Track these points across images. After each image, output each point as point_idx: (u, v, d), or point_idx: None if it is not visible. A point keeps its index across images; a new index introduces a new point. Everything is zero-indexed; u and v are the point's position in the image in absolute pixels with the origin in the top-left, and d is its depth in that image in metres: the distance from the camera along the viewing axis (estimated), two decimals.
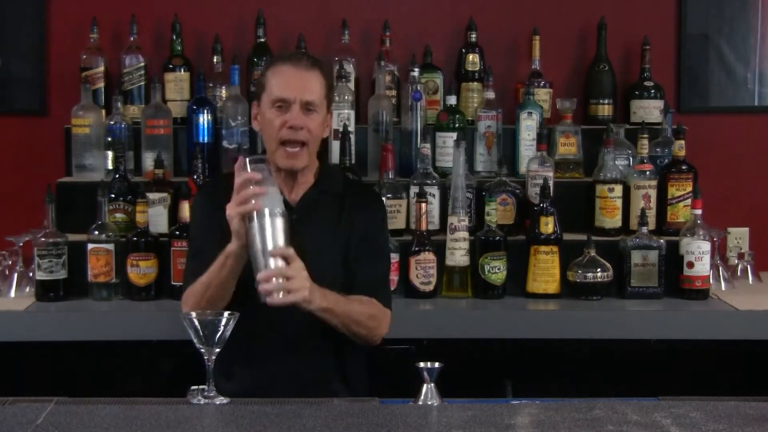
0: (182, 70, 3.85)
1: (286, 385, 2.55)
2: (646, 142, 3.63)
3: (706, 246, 3.47)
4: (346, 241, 2.73)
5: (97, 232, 3.41)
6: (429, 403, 2.25)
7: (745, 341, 3.32)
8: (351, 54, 3.85)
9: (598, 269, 3.44)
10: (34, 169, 3.91)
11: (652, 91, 3.94)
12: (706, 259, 3.48)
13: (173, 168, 3.76)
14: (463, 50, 3.93)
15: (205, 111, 3.72)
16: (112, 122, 3.74)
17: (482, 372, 3.27)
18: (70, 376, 3.25)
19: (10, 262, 3.53)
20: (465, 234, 3.48)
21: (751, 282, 3.75)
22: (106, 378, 3.30)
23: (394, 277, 3.33)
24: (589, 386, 2.97)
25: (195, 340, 2.26)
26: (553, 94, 3.93)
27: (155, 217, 3.50)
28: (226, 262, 2.54)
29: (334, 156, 3.63)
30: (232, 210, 2.47)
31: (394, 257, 3.35)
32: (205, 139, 3.72)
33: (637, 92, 3.95)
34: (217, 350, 2.26)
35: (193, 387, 2.27)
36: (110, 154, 3.62)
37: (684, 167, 3.63)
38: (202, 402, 2.23)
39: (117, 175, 3.58)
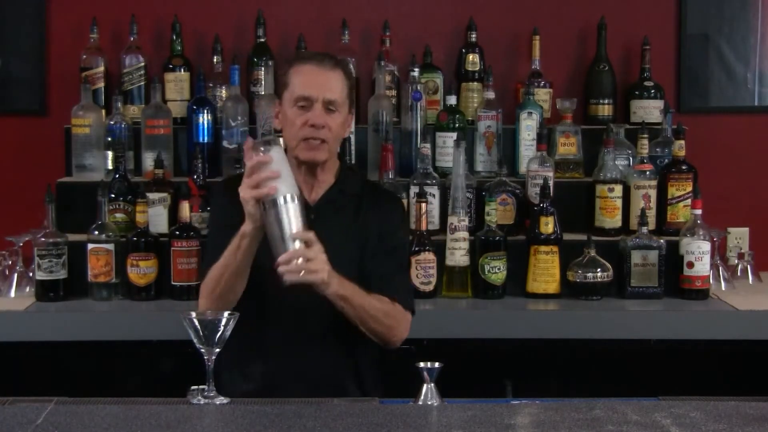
0: (182, 70, 3.85)
1: (298, 383, 2.55)
2: (646, 142, 3.63)
3: (706, 246, 3.47)
4: (362, 242, 2.73)
5: (97, 232, 3.41)
6: (429, 403, 2.25)
7: (745, 341, 3.32)
8: (351, 54, 3.85)
9: (598, 269, 3.44)
10: (34, 169, 3.91)
11: (652, 91, 3.94)
12: (706, 259, 3.48)
13: (173, 168, 3.76)
14: (463, 50, 3.93)
15: (205, 111, 3.72)
16: (112, 122, 3.74)
17: (482, 372, 3.27)
18: (70, 376, 3.25)
19: (10, 262, 3.53)
20: (465, 234, 3.48)
21: (751, 282, 3.75)
22: (106, 378, 3.30)
23: None
24: (589, 386, 2.97)
25: (195, 340, 2.26)
26: (553, 94, 3.93)
27: (155, 217, 3.51)
28: (241, 243, 2.53)
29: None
30: (246, 193, 2.46)
31: None
32: (205, 139, 3.72)
33: (637, 92, 3.95)
34: (217, 350, 2.26)
35: (193, 387, 2.27)
36: (110, 154, 3.62)
37: (684, 167, 3.63)
38: (202, 402, 2.23)
39: (117, 175, 3.58)
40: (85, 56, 3.86)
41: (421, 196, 3.48)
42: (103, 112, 3.79)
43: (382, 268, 2.73)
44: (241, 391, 2.61)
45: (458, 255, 3.46)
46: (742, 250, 3.86)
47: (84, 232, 3.44)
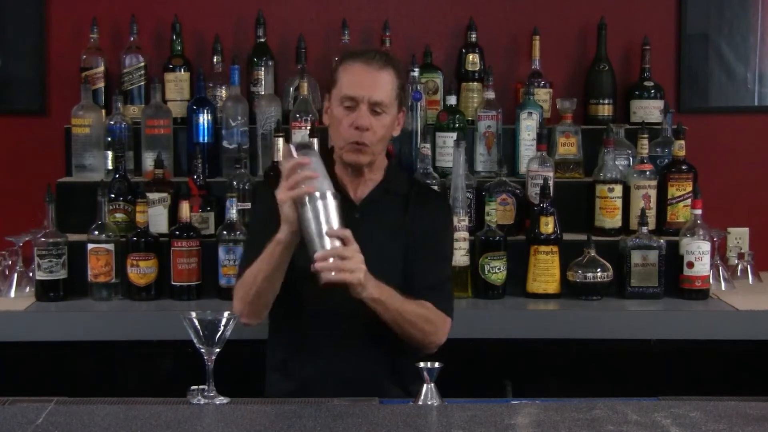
0: (182, 70, 3.85)
1: (338, 384, 2.53)
2: (646, 142, 3.63)
3: (706, 246, 3.47)
4: (407, 243, 2.71)
5: (97, 232, 3.41)
6: (429, 403, 2.25)
7: (745, 341, 3.32)
8: None
9: (598, 269, 3.44)
10: (34, 169, 3.91)
11: (652, 91, 3.94)
12: (706, 259, 3.48)
13: (173, 168, 3.76)
14: (463, 50, 3.93)
15: (205, 111, 3.72)
16: (112, 122, 3.74)
17: (482, 372, 3.27)
18: (70, 376, 3.26)
19: (10, 262, 3.53)
20: (465, 234, 3.48)
21: (751, 282, 3.75)
22: (106, 378, 3.30)
23: None
24: (589, 386, 2.97)
25: (195, 340, 2.26)
26: (553, 94, 3.93)
27: (155, 217, 3.51)
28: (275, 250, 2.53)
29: None
30: (283, 194, 2.45)
31: None
32: (205, 139, 3.72)
33: (637, 92, 3.95)
34: (217, 350, 2.26)
35: (193, 387, 2.27)
36: (110, 154, 3.62)
37: (684, 167, 3.63)
38: (202, 402, 2.23)
39: (117, 175, 3.58)
40: (85, 56, 3.86)
41: None
42: (103, 112, 3.79)
43: (426, 272, 2.70)
44: (282, 390, 2.64)
45: (458, 255, 3.46)
46: (742, 250, 3.86)
47: (84, 232, 3.44)
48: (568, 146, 3.77)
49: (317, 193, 2.42)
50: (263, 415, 2.17)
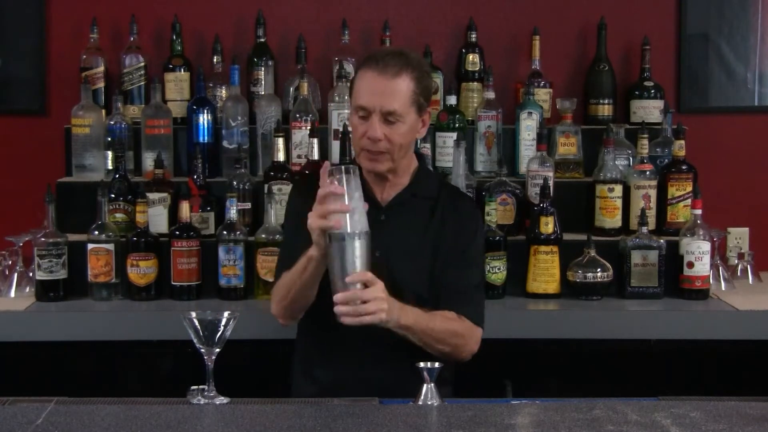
0: (182, 70, 3.85)
1: (364, 389, 2.49)
2: (646, 142, 3.63)
3: (706, 246, 3.47)
4: (435, 247, 2.68)
5: (97, 232, 3.41)
6: (429, 403, 2.25)
7: (745, 341, 3.32)
8: (351, 54, 3.85)
9: (598, 269, 3.44)
10: (34, 169, 3.91)
11: (652, 91, 3.94)
12: (706, 259, 3.48)
13: (173, 168, 3.76)
14: (463, 50, 3.93)
15: (205, 111, 3.72)
16: (112, 122, 3.74)
17: (482, 372, 3.27)
18: (70, 376, 3.26)
19: (10, 262, 3.53)
20: None
21: (751, 282, 3.75)
22: (106, 378, 3.30)
23: None
24: (589, 386, 2.97)
25: (195, 340, 2.26)
26: (553, 94, 3.93)
27: (155, 217, 3.51)
28: (307, 266, 2.53)
29: (335, 156, 3.63)
30: (314, 222, 2.43)
31: None
32: (205, 139, 3.72)
33: (637, 92, 3.95)
34: (217, 350, 2.26)
35: (193, 387, 2.27)
36: (110, 154, 3.62)
37: (684, 167, 3.63)
38: (202, 402, 2.23)
39: (117, 175, 3.58)
40: (85, 56, 3.86)
41: None
42: (103, 112, 3.79)
43: (455, 281, 2.68)
44: (307, 392, 2.64)
45: None
46: (742, 250, 3.86)
47: (84, 232, 3.44)
48: (568, 146, 3.77)
49: (345, 232, 2.39)
50: (263, 415, 2.17)
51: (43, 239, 3.40)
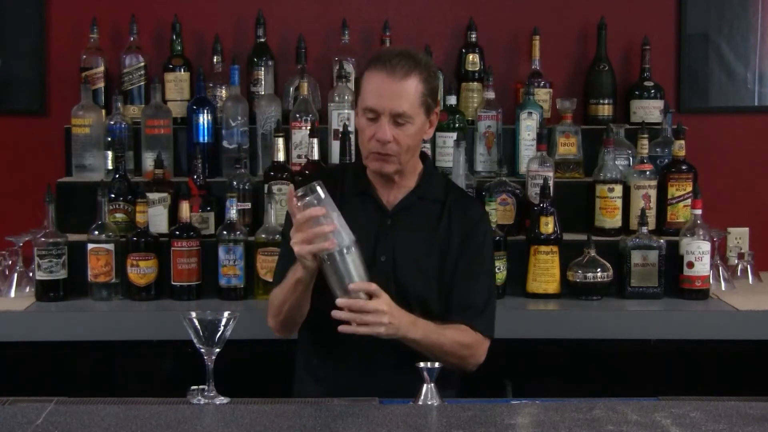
0: (182, 70, 3.85)
1: (368, 391, 2.46)
2: (646, 142, 3.63)
3: (706, 246, 3.47)
4: (442, 252, 2.66)
5: (97, 232, 3.41)
6: (429, 403, 2.25)
7: (745, 341, 3.32)
8: (351, 54, 3.85)
9: (598, 269, 3.44)
10: (34, 169, 3.91)
11: (652, 91, 3.94)
12: (706, 259, 3.48)
13: (173, 168, 3.76)
14: (463, 50, 3.93)
15: (205, 111, 3.72)
16: (112, 122, 3.74)
17: (482, 372, 3.27)
18: (70, 376, 3.26)
19: (10, 262, 3.53)
20: None
21: (751, 282, 3.75)
22: (106, 378, 3.30)
23: None
24: (589, 386, 2.97)
25: (195, 340, 2.26)
26: (553, 94, 3.93)
27: (155, 217, 3.51)
28: (296, 288, 2.53)
29: (334, 156, 3.64)
30: (302, 249, 2.42)
31: None
32: (205, 139, 3.72)
33: (637, 92, 3.95)
34: (217, 350, 2.26)
35: (193, 387, 2.27)
36: (110, 154, 3.62)
37: (684, 167, 3.63)
38: (202, 402, 2.23)
39: (117, 175, 3.58)
40: (85, 56, 3.86)
41: None
42: (103, 112, 3.79)
43: (465, 293, 2.66)
44: (312, 392, 2.62)
45: None
46: (742, 250, 3.86)
47: (84, 232, 3.44)
48: (568, 146, 3.77)
49: (338, 249, 2.40)
50: (263, 415, 2.17)
51: (43, 239, 3.40)
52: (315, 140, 3.52)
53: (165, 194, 3.54)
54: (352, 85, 3.79)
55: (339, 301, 2.42)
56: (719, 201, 3.85)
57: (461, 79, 3.92)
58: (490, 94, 3.77)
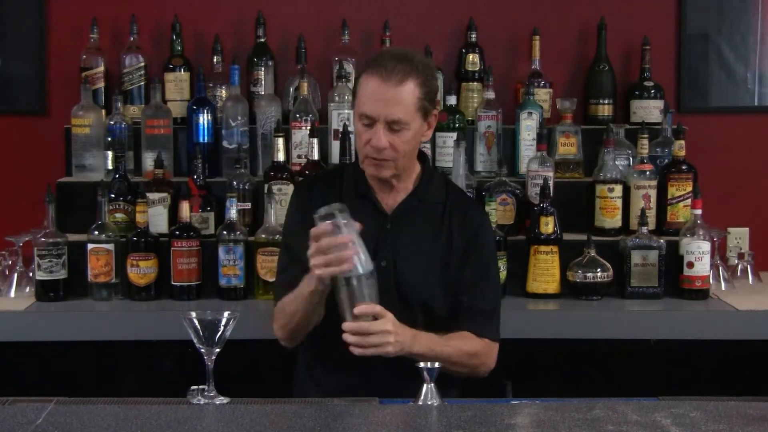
0: (182, 70, 3.85)
1: (365, 391, 2.47)
2: (646, 142, 3.63)
3: (706, 246, 3.47)
4: (446, 254, 2.65)
5: (97, 232, 3.41)
6: (429, 403, 2.25)
7: (745, 341, 3.32)
8: (351, 54, 3.85)
9: (598, 269, 3.44)
10: (34, 169, 3.91)
11: (652, 91, 3.94)
12: (706, 259, 3.48)
13: (173, 168, 3.76)
14: (463, 50, 3.93)
15: (205, 111, 3.72)
16: (112, 122, 3.74)
17: None
18: (70, 376, 3.26)
19: (10, 262, 3.53)
20: None
21: (751, 282, 3.75)
22: (106, 378, 3.30)
23: None
24: (589, 386, 2.97)
25: (195, 340, 2.26)
26: (553, 94, 3.93)
27: (155, 217, 3.51)
28: (310, 299, 2.52)
29: (335, 156, 3.63)
30: (324, 272, 2.41)
31: None
32: (205, 139, 3.72)
33: (637, 92, 3.95)
34: (217, 350, 2.26)
35: (193, 387, 2.27)
36: (110, 154, 3.62)
37: (684, 167, 3.63)
38: (202, 402, 2.23)
39: (117, 175, 3.58)
40: (85, 56, 3.86)
41: None
42: (103, 112, 3.79)
43: (471, 302, 2.65)
44: (312, 393, 2.64)
45: None
46: (742, 250, 3.86)
47: (84, 232, 3.44)
48: (568, 146, 3.77)
49: (353, 276, 2.41)
50: (263, 415, 2.17)
51: (43, 239, 3.40)
52: (315, 140, 3.52)
53: (165, 194, 3.54)
54: (352, 85, 3.78)
55: (345, 326, 2.43)
56: (719, 201, 3.85)
57: (461, 79, 3.92)
58: (490, 94, 3.77)
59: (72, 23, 3.96)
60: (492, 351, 2.69)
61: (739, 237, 3.95)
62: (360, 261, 2.41)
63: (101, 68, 3.86)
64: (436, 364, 2.26)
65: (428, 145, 3.61)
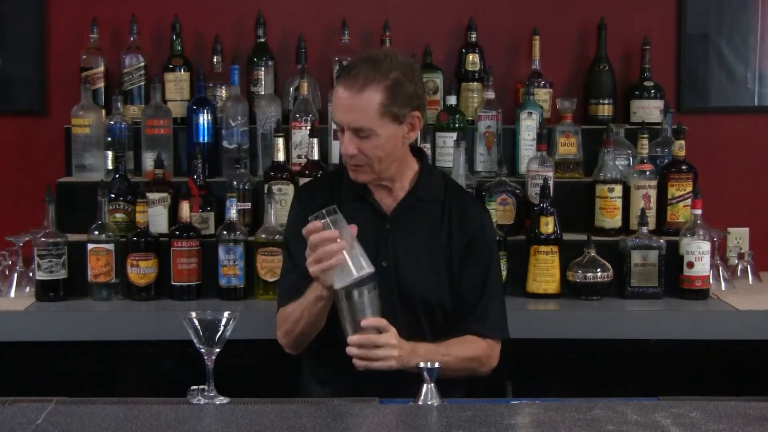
0: (182, 70, 3.85)
1: (368, 394, 2.45)
2: (646, 142, 3.63)
3: (706, 246, 3.47)
4: (447, 252, 2.65)
5: (97, 232, 3.41)
6: (429, 403, 2.25)
7: (745, 341, 3.32)
8: (351, 54, 3.84)
9: (598, 269, 3.44)
10: (34, 169, 3.91)
11: (652, 91, 3.94)
12: (706, 259, 3.48)
13: (173, 168, 3.76)
14: (463, 50, 3.93)
15: (205, 111, 3.72)
16: (112, 122, 3.74)
17: None
18: (70, 376, 3.26)
19: (10, 262, 3.53)
20: None
21: (751, 282, 3.75)
22: (106, 378, 3.30)
23: None
24: (589, 386, 2.97)
25: (195, 340, 2.26)
26: (553, 94, 3.93)
27: (155, 217, 3.51)
28: (316, 304, 2.53)
29: (334, 156, 3.63)
30: (315, 269, 2.42)
31: None
32: (205, 139, 3.72)
33: (637, 92, 3.95)
34: (217, 350, 2.26)
35: (193, 387, 2.27)
36: (110, 154, 3.62)
37: (684, 167, 3.63)
38: (202, 402, 2.23)
39: (117, 175, 3.58)
40: (85, 56, 3.86)
41: None
42: (103, 112, 3.79)
43: (475, 300, 2.66)
44: (315, 393, 2.64)
45: None
46: (742, 250, 3.86)
47: (84, 232, 3.44)
48: (568, 146, 3.77)
49: (354, 290, 2.42)
50: (263, 415, 2.17)
51: (43, 239, 3.40)
52: (315, 140, 3.52)
53: (165, 194, 3.54)
54: None
55: (350, 339, 2.44)
56: (719, 201, 3.85)
57: (461, 79, 3.92)
58: (490, 94, 3.77)
59: (72, 23, 3.97)
60: (493, 351, 2.70)
61: (739, 237, 3.95)
62: (356, 265, 2.41)
63: (101, 68, 3.86)
64: (436, 364, 2.26)
65: (428, 145, 3.61)
